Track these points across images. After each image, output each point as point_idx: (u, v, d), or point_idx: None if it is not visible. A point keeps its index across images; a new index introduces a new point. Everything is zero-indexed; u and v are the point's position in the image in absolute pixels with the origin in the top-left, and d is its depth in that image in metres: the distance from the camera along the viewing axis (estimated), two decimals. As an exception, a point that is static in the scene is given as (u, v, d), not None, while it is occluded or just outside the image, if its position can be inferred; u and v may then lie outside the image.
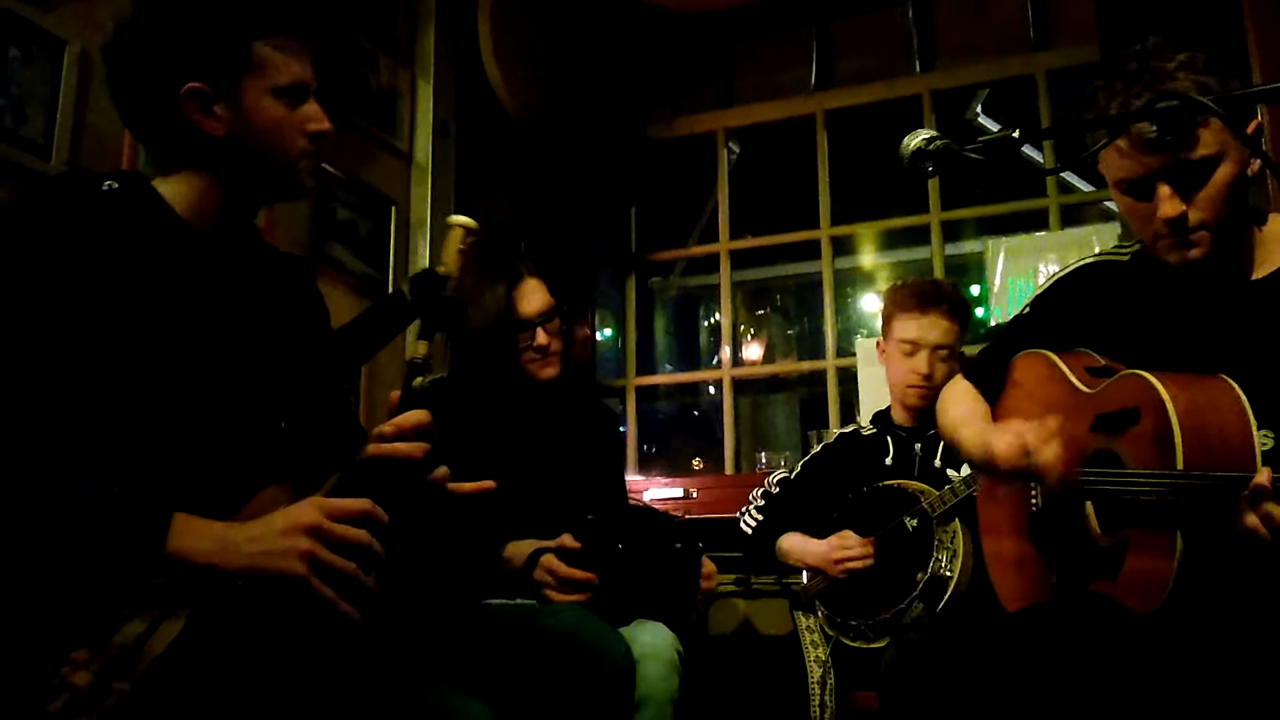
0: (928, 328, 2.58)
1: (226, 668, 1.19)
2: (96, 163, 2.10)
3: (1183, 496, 1.32)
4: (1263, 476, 1.25)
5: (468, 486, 1.43)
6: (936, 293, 2.62)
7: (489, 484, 1.45)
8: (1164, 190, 1.46)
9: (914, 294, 2.63)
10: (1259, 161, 1.47)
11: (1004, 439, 1.54)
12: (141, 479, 1.22)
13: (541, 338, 2.31)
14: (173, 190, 1.41)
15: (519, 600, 2.11)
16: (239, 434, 1.36)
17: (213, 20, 1.37)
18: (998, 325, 3.55)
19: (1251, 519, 1.26)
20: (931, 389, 2.54)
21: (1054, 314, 1.74)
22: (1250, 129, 1.47)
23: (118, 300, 1.28)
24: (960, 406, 1.80)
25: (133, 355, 1.27)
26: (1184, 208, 1.45)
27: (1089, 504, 1.53)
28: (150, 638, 1.12)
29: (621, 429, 4.38)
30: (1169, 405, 1.35)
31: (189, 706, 1.15)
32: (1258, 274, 1.54)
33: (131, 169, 2.14)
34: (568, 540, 2.11)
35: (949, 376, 2.51)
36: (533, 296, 2.35)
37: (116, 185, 1.36)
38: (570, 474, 2.40)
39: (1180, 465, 1.32)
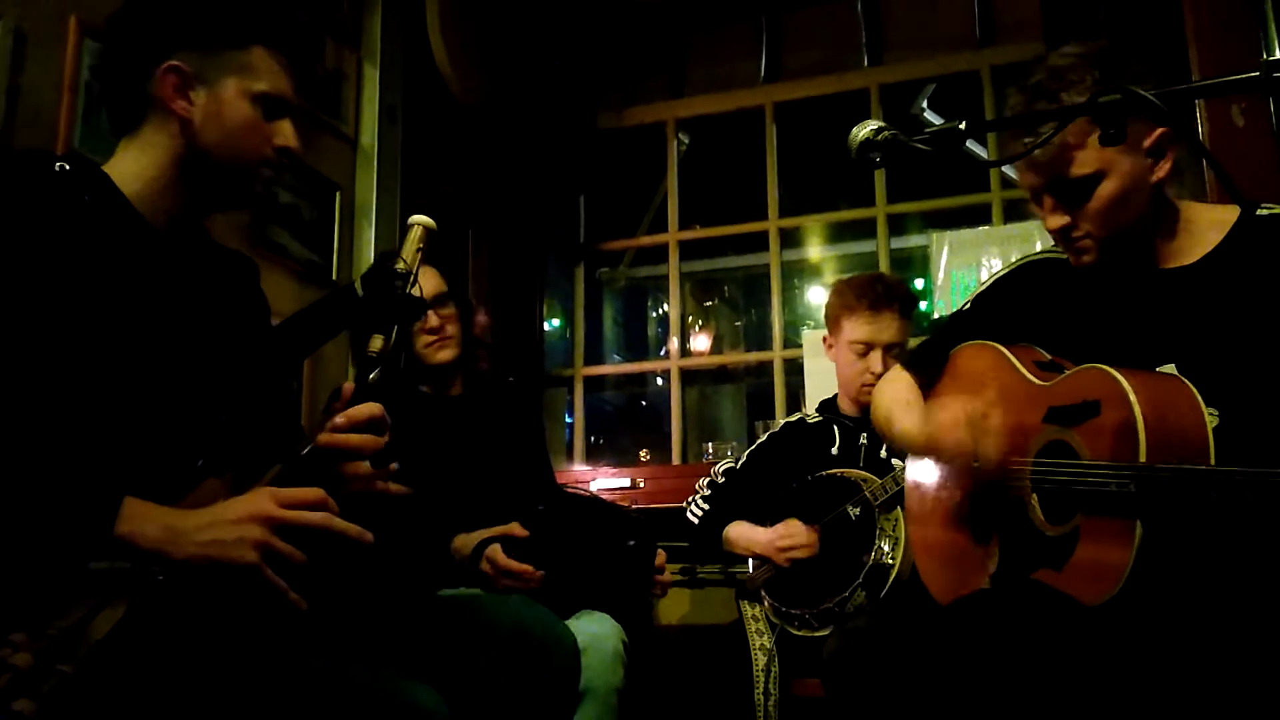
0: (880, 329, 2.60)
1: (171, 652, 1.18)
2: (31, 140, 2.05)
3: (1146, 489, 1.33)
4: None
5: (392, 488, 1.43)
6: (888, 292, 2.62)
7: (402, 489, 1.44)
8: (1048, 203, 1.56)
9: (864, 295, 2.63)
10: (1167, 165, 1.52)
11: (945, 416, 1.58)
12: (87, 465, 1.20)
13: (433, 320, 2.37)
14: (124, 173, 1.40)
15: (462, 589, 2.10)
16: (179, 427, 1.34)
17: (224, 10, 1.42)
18: (940, 319, 3.60)
19: None
20: None
21: (996, 310, 1.76)
22: (1149, 142, 1.51)
23: (65, 284, 1.26)
24: (895, 392, 1.82)
25: (77, 341, 1.25)
26: (1066, 220, 1.55)
27: (1034, 495, 1.54)
28: (92, 621, 1.11)
29: (569, 419, 4.38)
30: (1133, 399, 1.37)
31: (133, 690, 1.14)
32: (1186, 260, 1.58)
33: (68, 148, 2.09)
34: (516, 529, 2.12)
35: None
36: (422, 283, 2.40)
37: (68, 167, 1.34)
38: (510, 464, 2.41)
39: (1143, 458, 1.34)
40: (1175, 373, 1.47)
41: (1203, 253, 1.57)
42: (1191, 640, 1.35)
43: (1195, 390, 1.40)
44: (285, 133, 1.47)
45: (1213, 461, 1.34)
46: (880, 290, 2.62)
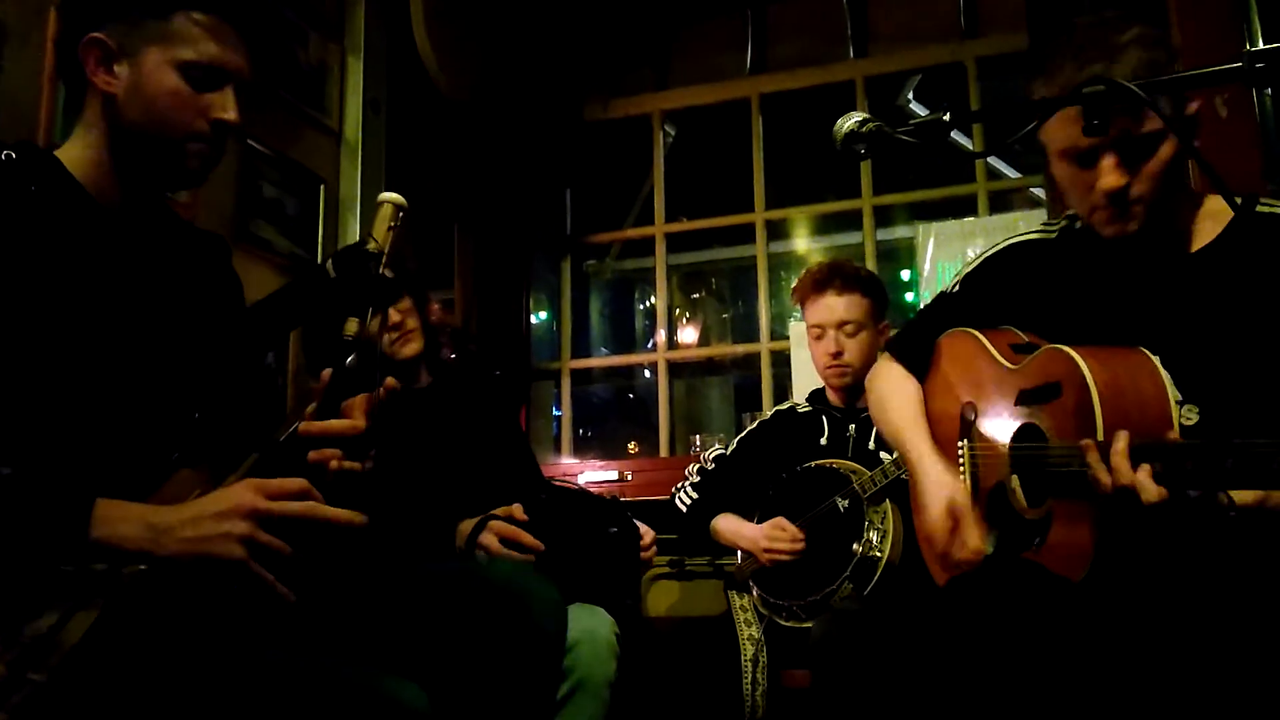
0: (825, 309, 2.65)
1: (148, 655, 1.16)
2: (11, 133, 2.03)
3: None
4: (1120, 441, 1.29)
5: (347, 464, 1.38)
6: (830, 273, 2.68)
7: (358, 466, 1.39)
8: (1109, 161, 1.45)
9: (810, 280, 2.72)
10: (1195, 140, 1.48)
11: (936, 503, 1.61)
12: (55, 464, 1.18)
13: (393, 316, 2.36)
14: (72, 156, 1.37)
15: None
16: (149, 415, 1.32)
17: None
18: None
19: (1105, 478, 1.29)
20: (846, 366, 2.60)
21: (981, 292, 1.76)
22: (1191, 109, 1.48)
23: (17, 274, 1.23)
24: (895, 397, 1.81)
25: (36, 332, 1.23)
26: (1127, 180, 1.45)
27: (1014, 477, 1.55)
28: (64, 628, 1.09)
29: (557, 412, 4.37)
30: (1089, 379, 1.37)
31: (109, 696, 1.12)
32: (1191, 248, 1.56)
33: (49, 140, 2.08)
34: (517, 511, 2.14)
35: (865, 352, 2.57)
36: None
37: (14, 155, 1.31)
38: (487, 454, 2.41)
39: (1100, 437, 1.34)
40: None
41: (1200, 244, 1.55)
42: (1172, 617, 1.35)
43: (1157, 361, 1.39)
44: (221, 104, 1.37)
45: (1176, 432, 1.34)
46: (824, 273, 2.70)
